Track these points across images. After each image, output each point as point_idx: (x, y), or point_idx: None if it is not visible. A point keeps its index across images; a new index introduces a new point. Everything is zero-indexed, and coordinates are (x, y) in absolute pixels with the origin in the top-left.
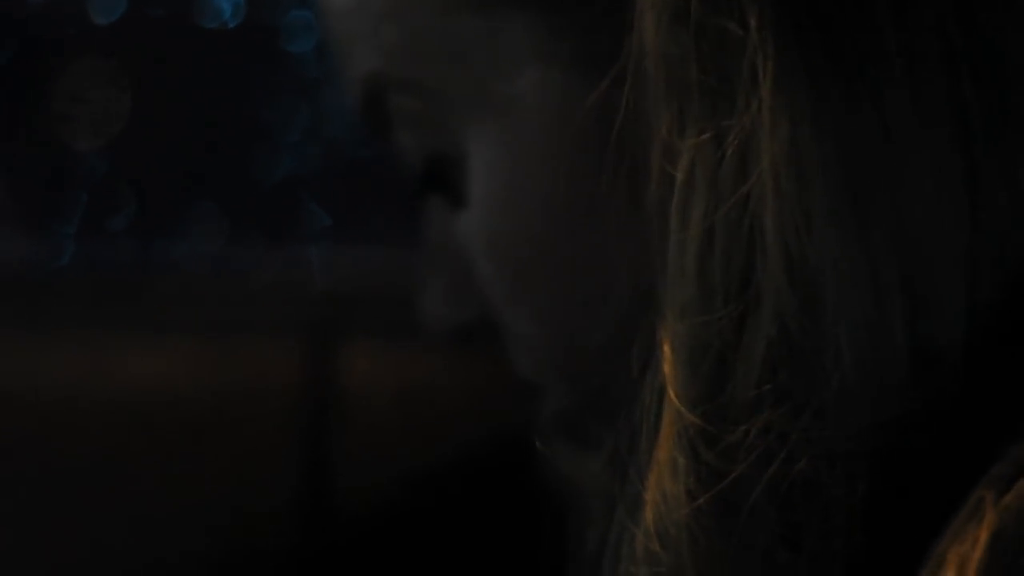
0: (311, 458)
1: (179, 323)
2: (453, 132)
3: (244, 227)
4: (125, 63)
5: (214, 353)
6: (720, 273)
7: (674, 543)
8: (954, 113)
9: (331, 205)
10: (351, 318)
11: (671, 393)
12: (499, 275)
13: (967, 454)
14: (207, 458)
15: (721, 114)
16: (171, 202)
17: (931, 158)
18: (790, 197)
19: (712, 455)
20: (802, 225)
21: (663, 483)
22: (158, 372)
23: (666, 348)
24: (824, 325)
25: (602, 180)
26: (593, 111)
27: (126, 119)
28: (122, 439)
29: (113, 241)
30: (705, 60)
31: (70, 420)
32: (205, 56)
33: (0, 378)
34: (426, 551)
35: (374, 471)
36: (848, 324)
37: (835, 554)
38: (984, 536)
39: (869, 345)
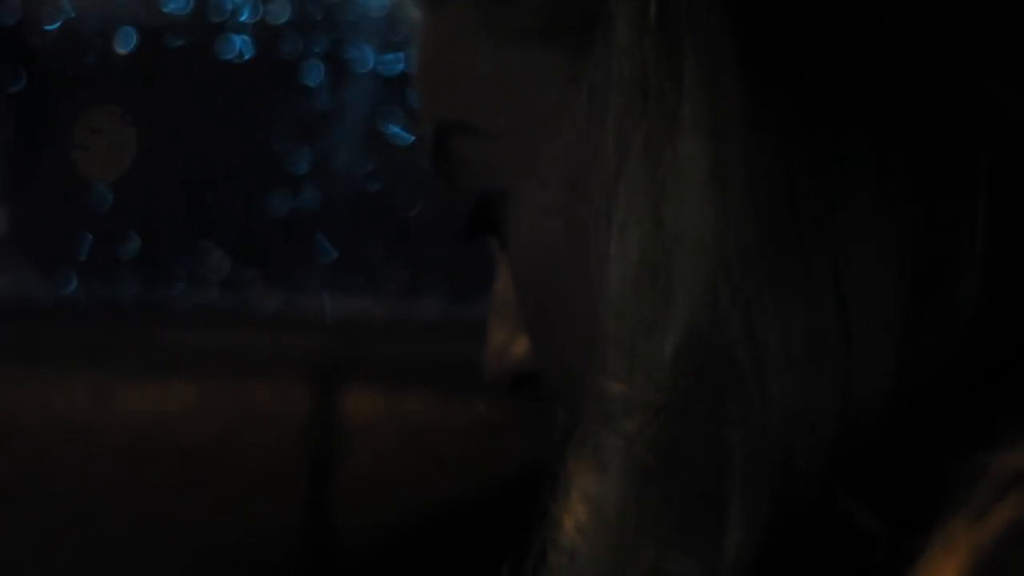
0: (314, 496)
1: (184, 358)
2: (502, 170)
3: (250, 261)
4: (139, 94)
5: (219, 389)
6: (649, 280)
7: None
8: (913, 143)
9: (339, 240)
10: (356, 355)
11: (611, 394)
12: (525, 304)
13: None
14: (211, 495)
15: (663, 120)
16: (177, 235)
17: (881, 183)
18: (728, 218)
19: (643, 456)
20: (737, 254)
21: (600, 493)
22: (163, 408)
23: (607, 350)
24: (737, 327)
25: (609, 205)
26: (600, 140)
27: (136, 151)
28: (127, 474)
29: (119, 274)
30: (658, 66)
31: (75, 453)
32: (218, 88)
33: (6, 410)
34: None
35: (376, 509)
36: (764, 328)
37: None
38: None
39: (791, 352)
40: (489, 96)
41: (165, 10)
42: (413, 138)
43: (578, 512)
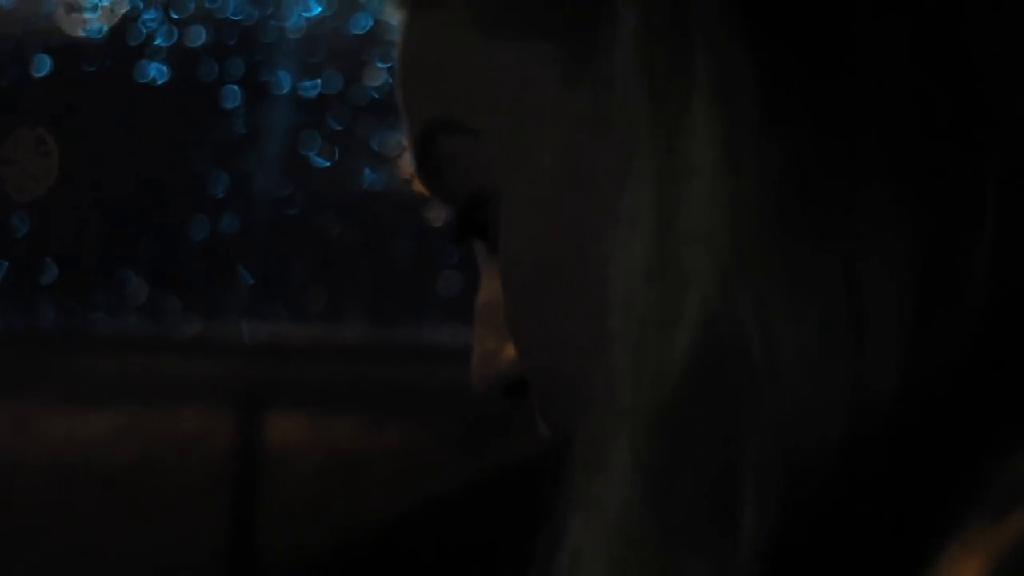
0: (238, 522)
1: (104, 385)
2: (492, 169)
3: (169, 287)
4: (55, 118)
5: (140, 415)
6: (658, 277)
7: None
8: (922, 144)
9: (259, 264)
10: (278, 380)
11: (618, 393)
12: (513, 305)
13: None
14: (134, 521)
15: (668, 124)
16: (95, 261)
17: (891, 185)
18: (737, 220)
19: (645, 437)
20: (745, 255)
21: (601, 489)
22: (83, 434)
23: (613, 348)
24: (751, 328)
25: (609, 204)
26: (604, 135)
27: (53, 178)
28: (48, 501)
29: (37, 301)
30: (661, 72)
31: None
32: (135, 113)
33: None
34: None
35: (300, 534)
36: (778, 330)
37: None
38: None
39: (803, 352)
40: (480, 94)
41: (81, 34)
42: (330, 162)
43: (585, 516)
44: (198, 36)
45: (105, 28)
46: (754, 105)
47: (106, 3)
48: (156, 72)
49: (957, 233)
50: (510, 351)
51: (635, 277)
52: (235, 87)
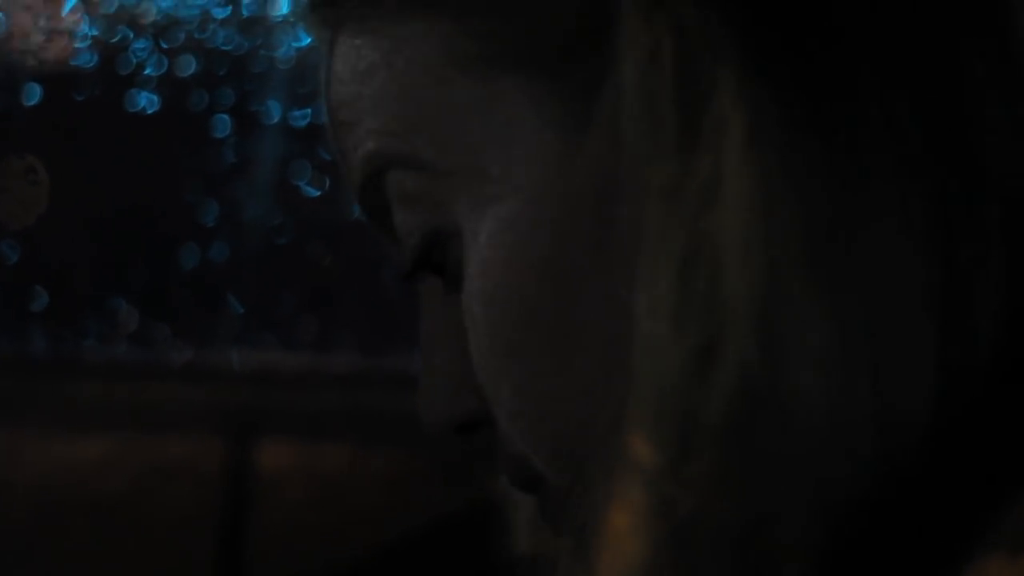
0: (227, 549)
1: (94, 412)
2: (451, 207)
3: (160, 315)
4: (46, 147)
5: (130, 443)
6: (686, 310)
7: None
8: (930, 173)
9: (249, 292)
10: (268, 408)
11: (634, 436)
12: (485, 350)
13: (935, 520)
14: (123, 548)
15: (689, 151)
16: (86, 289)
17: (904, 214)
18: (760, 239)
19: (671, 492)
20: (772, 270)
21: (620, 527)
22: (73, 462)
23: (631, 389)
24: (783, 365)
25: (591, 244)
26: (585, 173)
27: (42, 206)
28: (37, 528)
29: (27, 329)
30: (676, 100)
31: None
32: (126, 141)
33: None
34: None
35: (289, 562)
36: (807, 365)
37: None
38: None
39: (828, 391)
40: (443, 129)
41: (72, 63)
42: (320, 191)
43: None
44: (188, 66)
45: (96, 57)
46: (792, 151)
47: (96, 32)
48: (146, 101)
49: (969, 260)
50: (464, 391)
51: (659, 329)
52: (225, 116)
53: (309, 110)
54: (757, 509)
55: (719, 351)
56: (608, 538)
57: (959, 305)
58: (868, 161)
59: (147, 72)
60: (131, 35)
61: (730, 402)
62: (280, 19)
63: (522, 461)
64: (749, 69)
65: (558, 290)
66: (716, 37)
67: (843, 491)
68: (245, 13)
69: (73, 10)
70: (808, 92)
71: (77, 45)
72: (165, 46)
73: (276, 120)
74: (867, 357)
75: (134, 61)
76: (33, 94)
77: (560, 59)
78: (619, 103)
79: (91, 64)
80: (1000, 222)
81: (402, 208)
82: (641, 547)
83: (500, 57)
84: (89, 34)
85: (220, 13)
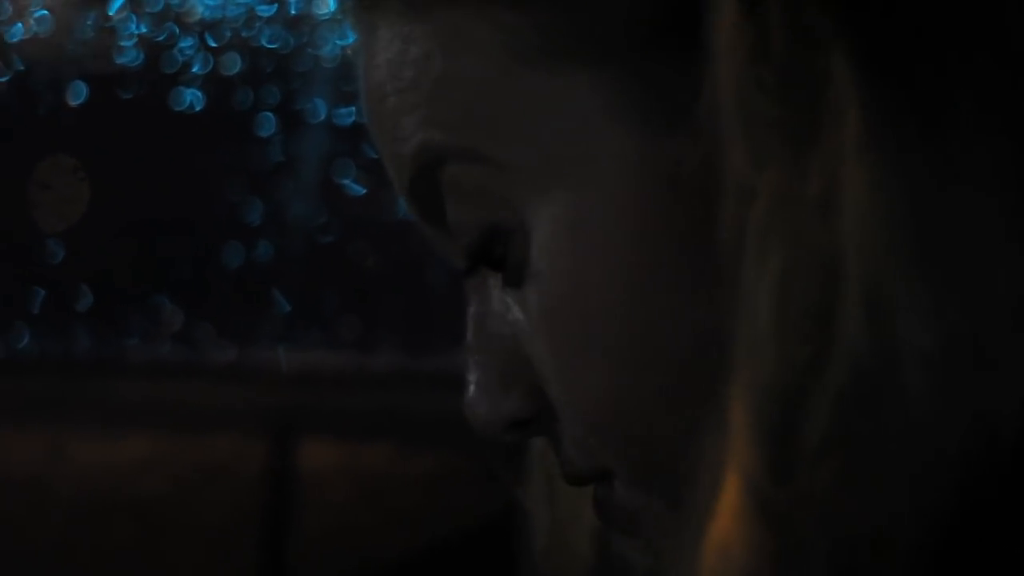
0: (270, 549)
1: (138, 412)
2: (513, 202)
3: (204, 314)
4: (91, 146)
5: (173, 442)
6: (795, 315)
7: None
8: None
9: (293, 292)
10: (311, 408)
11: (739, 444)
12: (557, 351)
13: None
14: (166, 547)
15: (801, 151)
16: (130, 288)
17: (1008, 216)
18: (874, 239)
19: (779, 502)
20: (885, 268)
21: (725, 537)
22: (116, 461)
23: (733, 396)
24: (895, 369)
25: (670, 244)
26: (664, 171)
27: (88, 204)
28: (80, 527)
29: (72, 328)
30: (786, 97)
31: (29, 506)
32: (170, 140)
33: None
34: None
35: (332, 563)
36: (919, 367)
37: None
38: None
39: (937, 393)
40: (508, 124)
41: (117, 62)
42: (365, 190)
43: None
44: (233, 64)
45: (141, 56)
46: (902, 151)
47: (142, 31)
48: (191, 99)
49: None
50: (513, 387)
51: (764, 334)
52: (270, 115)
53: (354, 108)
54: (872, 517)
55: (830, 355)
56: (712, 547)
57: None
58: (970, 161)
59: (193, 70)
60: (177, 33)
61: (842, 407)
62: (326, 17)
63: (587, 460)
64: (862, 62)
65: (639, 291)
66: (826, 30)
67: (953, 495)
68: (291, 11)
69: (120, 9)
70: (914, 86)
71: (123, 43)
72: (211, 44)
73: (321, 118)
74: (972, 357)
75: (180, 59)
76: (79, 93)
77: (636, 54)
78: (712, 100)
79: (136, 62)
80: None
81: (458, 202)
82: (749, 558)
83: (566, 51)
84: (135, 32)
85: (266, 11)
